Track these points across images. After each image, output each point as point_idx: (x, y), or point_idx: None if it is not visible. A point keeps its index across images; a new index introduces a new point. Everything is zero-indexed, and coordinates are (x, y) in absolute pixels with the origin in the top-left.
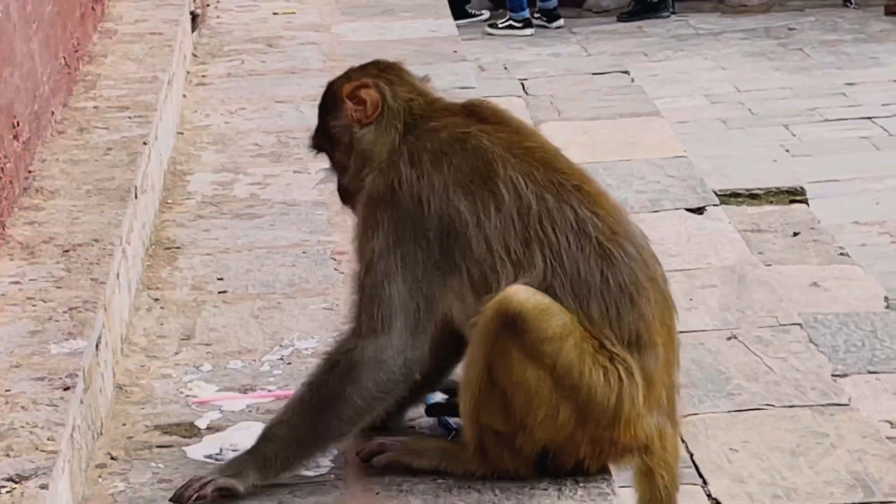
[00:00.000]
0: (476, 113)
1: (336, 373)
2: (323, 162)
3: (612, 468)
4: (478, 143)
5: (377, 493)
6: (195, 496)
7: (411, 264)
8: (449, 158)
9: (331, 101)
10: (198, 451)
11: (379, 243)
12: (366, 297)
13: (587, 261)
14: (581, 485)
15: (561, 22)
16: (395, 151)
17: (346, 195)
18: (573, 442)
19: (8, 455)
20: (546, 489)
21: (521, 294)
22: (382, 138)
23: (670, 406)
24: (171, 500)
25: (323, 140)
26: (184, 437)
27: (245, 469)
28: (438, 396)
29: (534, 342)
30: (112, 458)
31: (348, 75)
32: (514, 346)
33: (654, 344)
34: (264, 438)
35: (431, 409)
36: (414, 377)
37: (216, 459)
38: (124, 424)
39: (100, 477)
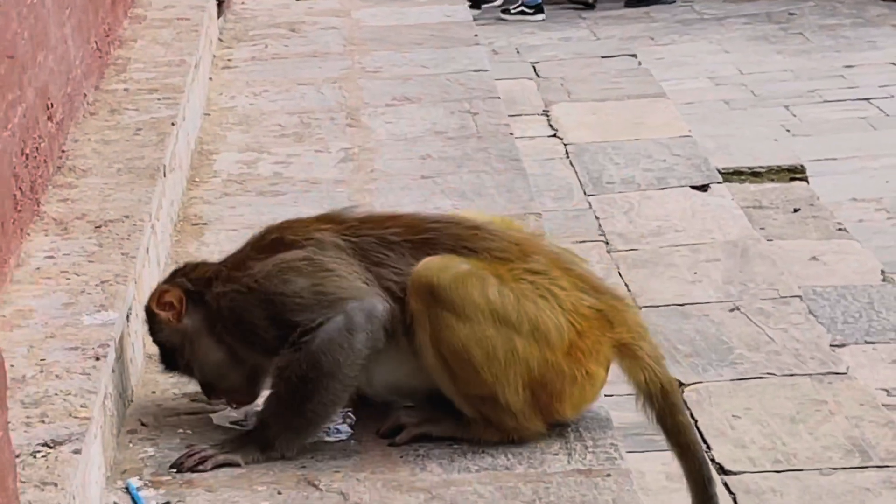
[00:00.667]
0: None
1: (309, 354)
2: (342, 141)
3: (608, 365)
4: (269, 236)
5: (397, 458)
6: (194, 466)
7: (315, 283)
8: (249, 254)
9: (151, 323)
10: (223, 417)
11: (287, 303)
12: (309, 316)
13: (414, 258)
14: (590, 450)
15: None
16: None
17: (211, 390)
18: (550, 366)
19: (43, 421)
20: (556, 454)
21: (423, 265)
22: (203, 309)
23: (598, 288)
24: (171, 466)
25: (170, 358)
26: (210, 404)
27: (247, 447)
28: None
29: (457, 297)
30: (142, 425)
31: (151, 296)
32: (445, 311)
33: (527, 255)
34: (261, 425)
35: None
36: (386, 327)
37: (241, 425)
38: (154, 392)
39: (130, 442)
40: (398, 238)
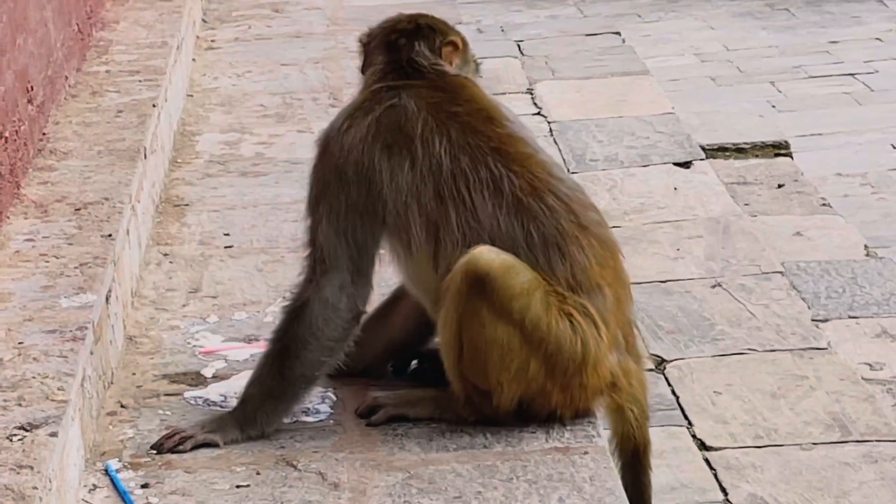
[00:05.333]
0: (443, 83)
1: (290, 320)
2: (325, 121)
3: (591, 411)
4: (405, 104)
5: (376, 437)
6: (174, 446)
7: (336, 211)
8: (374, 114)
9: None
10: (197, 397)
11: (313, 194)
12: (307, 244)
13: (507, 217)
14: (567, 428)
15: None
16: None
17: None
18: (545, 392)
19: (20, 405)
20: (534, 432)
21: (487, 255)
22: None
23: (629, 343)
24: (151, 447)
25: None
26: (190, 385)
27: (226, 426)
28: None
29: (502, 300)
30: (122, 406)
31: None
32: (484, 306)
33: (597, 287)
34: (242, 400)
35: (413, 374)
36: (362, 312)
37: (221, 406)
38: (134, 374)
39: (110, 424)
40: (509, 188)
